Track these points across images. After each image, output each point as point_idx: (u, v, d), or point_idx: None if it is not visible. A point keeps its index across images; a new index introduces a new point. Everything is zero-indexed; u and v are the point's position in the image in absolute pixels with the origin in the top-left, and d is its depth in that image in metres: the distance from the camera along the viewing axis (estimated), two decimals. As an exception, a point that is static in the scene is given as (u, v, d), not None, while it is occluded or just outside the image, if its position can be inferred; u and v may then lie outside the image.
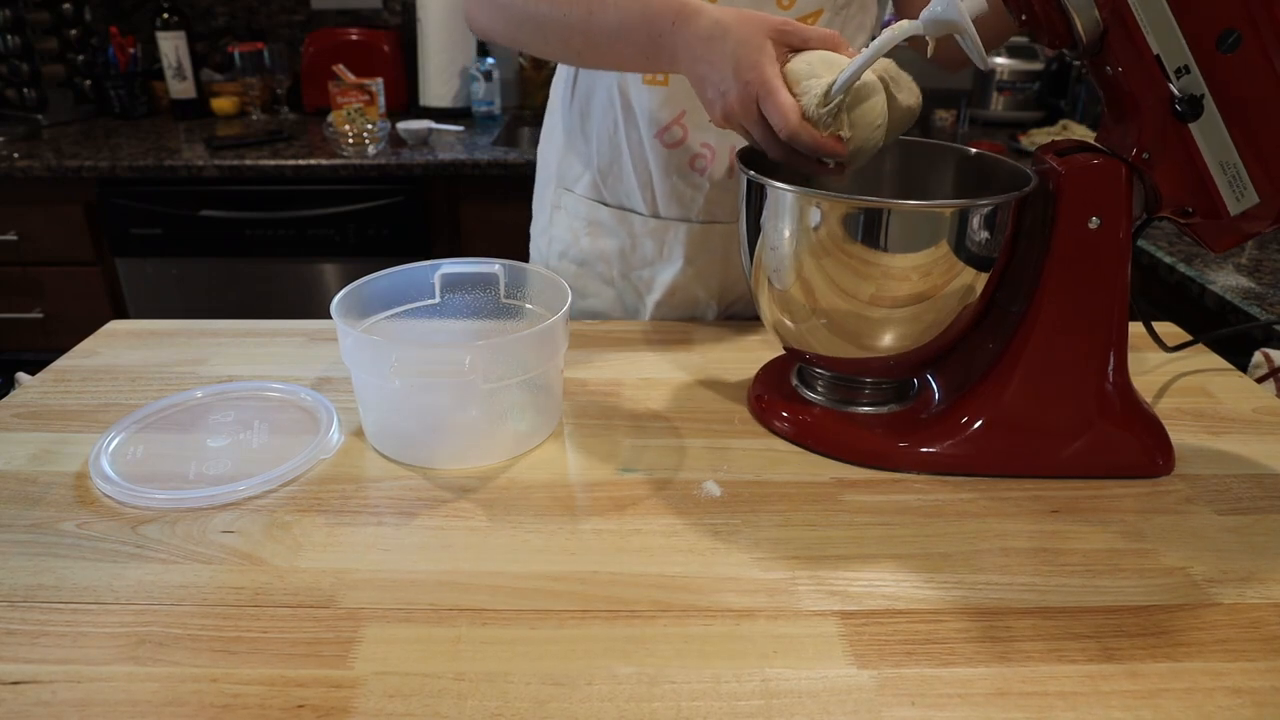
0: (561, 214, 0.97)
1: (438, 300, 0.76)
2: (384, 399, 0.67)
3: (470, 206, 1.99)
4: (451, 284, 0.76)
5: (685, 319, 0.92)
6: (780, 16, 0.65)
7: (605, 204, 0.93)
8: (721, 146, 0.84)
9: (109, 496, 0.61)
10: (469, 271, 0.76)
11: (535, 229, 1.03)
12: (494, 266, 0.77)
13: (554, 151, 0.97)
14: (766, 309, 0.68)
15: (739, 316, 0.95)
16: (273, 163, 1.90)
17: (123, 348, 0.84)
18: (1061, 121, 2.19)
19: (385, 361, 0.61)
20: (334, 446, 0.68)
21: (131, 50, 2.26)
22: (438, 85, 2.27)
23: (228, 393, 0.75)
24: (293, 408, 0.73)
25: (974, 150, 0.71)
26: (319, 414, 0.71)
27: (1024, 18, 0.59)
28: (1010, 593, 0.53)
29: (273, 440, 0.68)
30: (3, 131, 2.11)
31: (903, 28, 0.61)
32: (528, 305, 0.76)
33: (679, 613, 0.51)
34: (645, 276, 0.93)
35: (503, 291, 0.76)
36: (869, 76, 0.62)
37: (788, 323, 0.67)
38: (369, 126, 1.96)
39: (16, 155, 1.92)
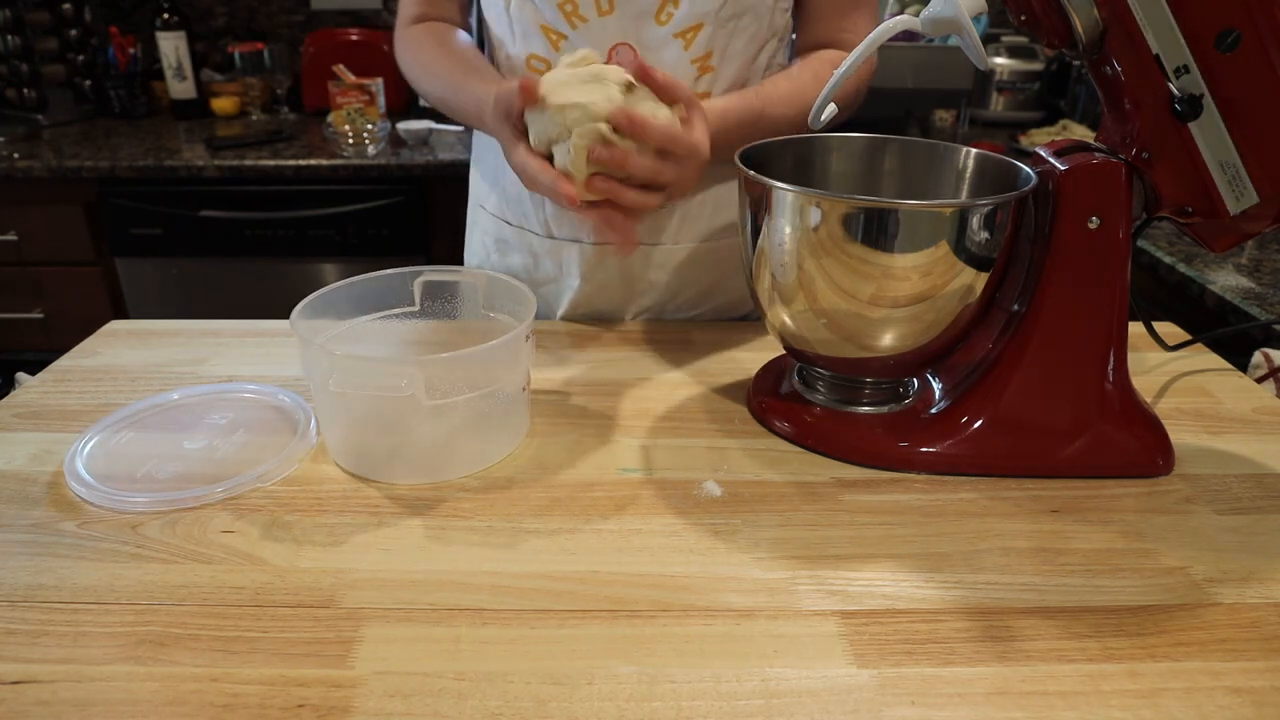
0: (476, 230, 1.01)
1: (418, 307, 0.74)
2: (334, 412, 0.65)
3: (470, 206, 1.99)
4: (432, 292, 0.74)
5: (595, 323, 0.94)
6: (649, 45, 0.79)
7: (509, 223, 0.96)
8: None
9: (85, 500, 0.60)
10: (449, 280, 0.74)
11: (465, 245, 1.07)
12: (474, 277, 0.74)
13: (472, 170, 1.02)
14: (767, 309, 0.68)
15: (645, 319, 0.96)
16: (273, 163, 1.90)
17: (123, 348, 0.84)
18: (1061, 121, 2.19)
19: (329, 373, 0.59)
20: (334, 446, 0.68)
21: (131, 50, 2.26)
22: (438, 85, 2.27)
23: (226, 393, 0.74)
24: (293, 408, 0.73)
25: (974, 150, 0.71)
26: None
27: (1024, 18, 0.59)
28: (1010, 593, 0.53)
29: (273, 440, 0.68)
30: (3, 131, 2.11)
31: (899, 22, 0.61)
32: (504, 317, 0.73)
33: (679, 612, 0.51)
34: (551, 291, 0.96)
35: (481, 301, 0.73)
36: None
37: (788, 323, 0.67)
38: (369, 126, 1.96)
39: (16, 155, 1.92)
